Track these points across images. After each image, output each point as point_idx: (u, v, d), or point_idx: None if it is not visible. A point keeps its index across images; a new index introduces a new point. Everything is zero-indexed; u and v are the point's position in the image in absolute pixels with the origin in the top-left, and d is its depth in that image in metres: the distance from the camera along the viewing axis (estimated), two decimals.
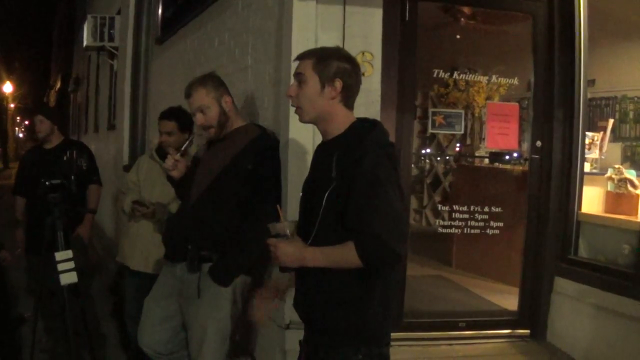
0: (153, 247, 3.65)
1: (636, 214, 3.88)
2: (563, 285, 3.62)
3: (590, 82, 4.38)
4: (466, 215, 3.81)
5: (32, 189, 3.95)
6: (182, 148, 3.20)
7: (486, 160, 5.49)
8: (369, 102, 3.14)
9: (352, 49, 2.97)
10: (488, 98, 4.50)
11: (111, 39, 8.61)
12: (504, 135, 3.85)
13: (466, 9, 4.65)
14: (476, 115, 5.47)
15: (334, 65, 2.11)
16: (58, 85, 23.49)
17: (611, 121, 5.02)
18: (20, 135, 41.05)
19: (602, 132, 4.77)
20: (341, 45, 3.04)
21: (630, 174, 4.07)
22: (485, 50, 5.04)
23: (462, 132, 4.32)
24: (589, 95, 4.41)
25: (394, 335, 2.20)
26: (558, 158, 3.69)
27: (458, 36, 5.28)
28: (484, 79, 4.02)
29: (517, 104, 4.06)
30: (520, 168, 4.60)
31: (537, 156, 3.74)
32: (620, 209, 3.96)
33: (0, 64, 29.03)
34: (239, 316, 2.95)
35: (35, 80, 33.06)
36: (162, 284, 3.10)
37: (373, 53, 3.21)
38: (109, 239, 7.91)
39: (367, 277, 2.03)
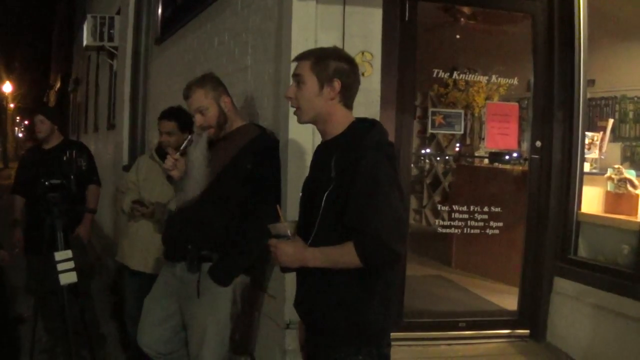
0: (153, 247, 3.65)
1: (636, 214, 3.88)
2: (563, 285, 3.61)
3: (590, 82, 4.37)
4: (466, 215, 3.81)
5: (32, 189, 3.95)
6: (182, 148, 3.20)
7: (486, 160, 5.49)
8: (369, 102, 3.14)
9: (351, 48, 2.99)
10: (488, 98, 4.50)
11: (111, 38, 8.62)
12: (503, 135, 3.85)
13: (466, 9, 4.66)
14: (476, 115, 5.46)
15: (332, 66, 2.11)
16: (58, 85, 23.52)
17: (611, 121, 5.01)
18: (20, 135, 41.02)
19: (601, 132, 4.76)
20: (341, 45, 3.04)
21: (630, 174, 4.06)
22: (485, 50, 5.03)
23: (462, 132, 4.31)
24: (589, 95, 4.41)
25: (393, 335, 2.20)
26: (558, 158, 3.69)
27: (458, 36, 5.27)
28: (483, 79, 4.02)
29: (516, 104, 4.06)
30: (520, 168, 4.60)
31: (536, 156, 3.73)
32: (620, 209, 3.96)
33: (0, 64, 29.02)
34: (238, 316, 2.95)
35: (35, 80, 33.05)
36: (161, 284, 3.10)
37: (373, 53, 3.21)
38: (108, 238, 7.90)
39: (367, 277, 2.03)
